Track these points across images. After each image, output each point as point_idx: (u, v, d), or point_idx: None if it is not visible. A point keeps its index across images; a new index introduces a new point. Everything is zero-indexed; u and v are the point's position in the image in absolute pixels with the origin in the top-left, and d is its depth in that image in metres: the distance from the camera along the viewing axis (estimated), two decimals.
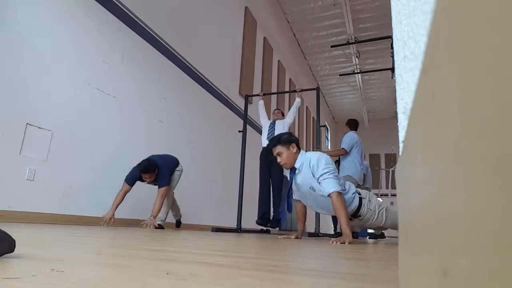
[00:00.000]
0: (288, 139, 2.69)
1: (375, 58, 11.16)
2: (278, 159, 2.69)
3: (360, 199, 2.68)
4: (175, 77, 4.84)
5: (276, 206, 4.50)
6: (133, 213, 3.88)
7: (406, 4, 0.34)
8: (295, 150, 2.66)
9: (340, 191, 2.41)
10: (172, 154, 4.67)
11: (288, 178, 2.77)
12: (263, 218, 4.45)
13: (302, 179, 2.62)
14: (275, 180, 4.54)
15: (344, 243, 2.19)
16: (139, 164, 3.52)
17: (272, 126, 4.66)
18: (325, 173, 2.45)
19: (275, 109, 5.10)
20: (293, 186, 2.74)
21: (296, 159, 2.64)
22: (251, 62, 7.52)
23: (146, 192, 4.18)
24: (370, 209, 2.72)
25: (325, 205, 2.65)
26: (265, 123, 4.79)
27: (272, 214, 4.55)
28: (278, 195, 4.39)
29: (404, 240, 0.31)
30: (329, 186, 2.41)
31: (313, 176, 2.51)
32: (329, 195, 2.41)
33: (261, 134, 4.87)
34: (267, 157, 4.60)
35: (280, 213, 4.13)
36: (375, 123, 16.26)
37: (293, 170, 2.70)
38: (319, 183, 2.47)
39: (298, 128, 10.87)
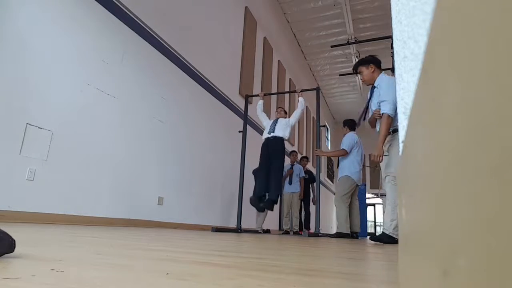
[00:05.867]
0: (367, 59, 3.25)
1: None
2: (360, 77, 3.29)
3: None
4: (175, 77, 4.84)
5: (272, 189, 4.48)
6: (134, 213, 3.88)
7: (406, 4, 0.34)
8: (373, 69, 3.19)
9: (389, 115, 2.89)
10: (172, 154, 4.68)
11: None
12: (257, 197, 4.47)
13: (374, 97, 3.15)
14: (274, 166, 4.52)
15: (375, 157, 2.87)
16: None
17: (275, 123, 4.65)
18: (383, 100, 2.97)
19: (278, 107, 5.10)
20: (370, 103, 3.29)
21: (374, 78, 3.18)
22: (251, 62, 7.51)
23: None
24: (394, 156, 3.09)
25: None
26: (266, 123, 4.78)
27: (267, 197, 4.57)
28: (275, 179, 4.44)
29: (405, 240, 0.31)
30: (384, 108, 2.94)
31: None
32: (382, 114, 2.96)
33: (261, 134, 4.87)
34: (269, 147, 4.60)
35: (276, 196, 4.42)
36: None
37: (372, 88, 3.22)
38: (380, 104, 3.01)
39: (298, 128, 10.86)
